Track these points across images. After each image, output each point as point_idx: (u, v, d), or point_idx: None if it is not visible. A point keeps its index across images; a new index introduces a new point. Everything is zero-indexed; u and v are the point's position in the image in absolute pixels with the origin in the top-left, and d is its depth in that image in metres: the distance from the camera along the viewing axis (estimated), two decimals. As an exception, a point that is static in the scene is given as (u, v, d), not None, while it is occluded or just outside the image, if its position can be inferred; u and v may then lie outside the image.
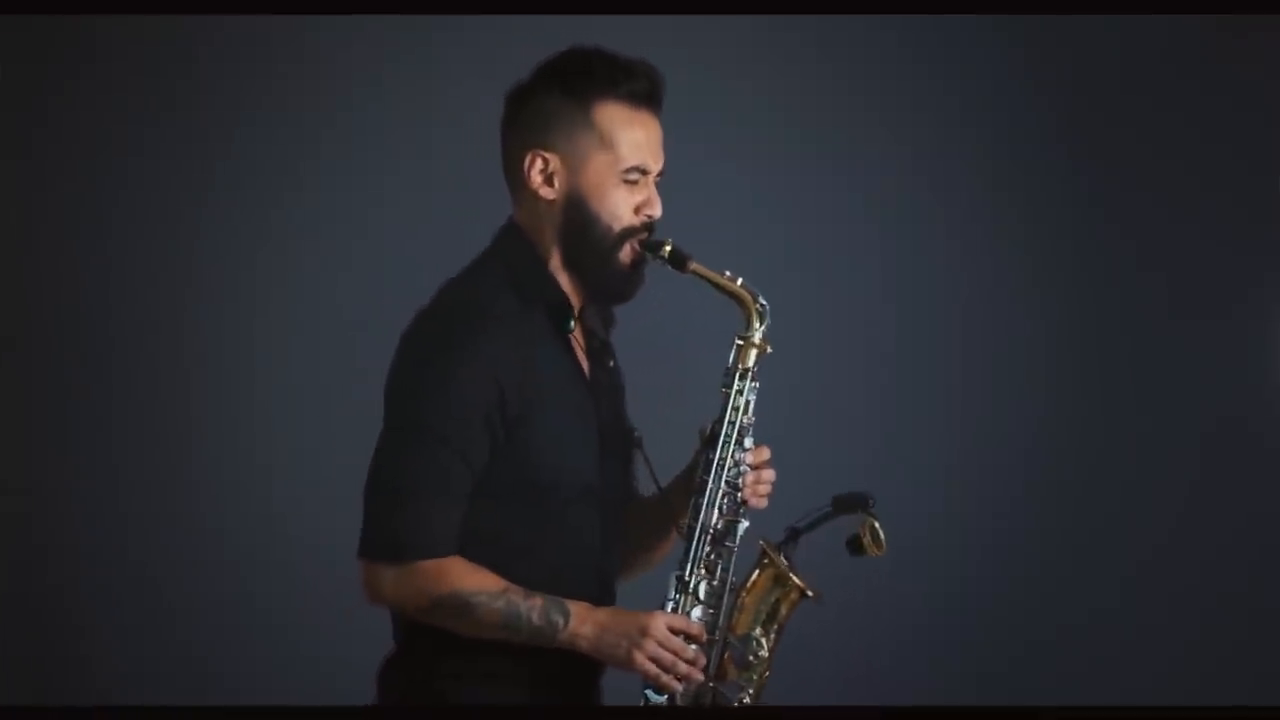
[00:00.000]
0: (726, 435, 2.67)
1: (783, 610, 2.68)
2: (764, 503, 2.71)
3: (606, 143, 2.63)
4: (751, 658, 2.66)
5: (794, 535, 2.70)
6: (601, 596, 2.67)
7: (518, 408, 2.59)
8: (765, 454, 2.71)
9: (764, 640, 2.67)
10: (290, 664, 4.01)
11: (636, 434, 2.74)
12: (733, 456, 2.68)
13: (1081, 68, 4.45)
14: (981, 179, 4.44)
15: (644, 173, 2.65)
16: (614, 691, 2.73)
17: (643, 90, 2.63)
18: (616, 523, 2.74)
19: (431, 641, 2.63)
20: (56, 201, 3.97)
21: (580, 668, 2.65)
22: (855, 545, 2.69)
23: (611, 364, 2.77)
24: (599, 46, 2.66)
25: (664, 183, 2.71)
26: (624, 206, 2.64)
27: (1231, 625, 4.48)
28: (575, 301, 2.69)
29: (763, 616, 2.68)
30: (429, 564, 2.58)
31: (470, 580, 2.58)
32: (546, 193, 2.65)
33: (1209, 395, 4.50)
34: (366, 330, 4.01)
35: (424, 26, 4.03)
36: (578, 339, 2.71)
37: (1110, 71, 4.46)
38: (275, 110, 4.04)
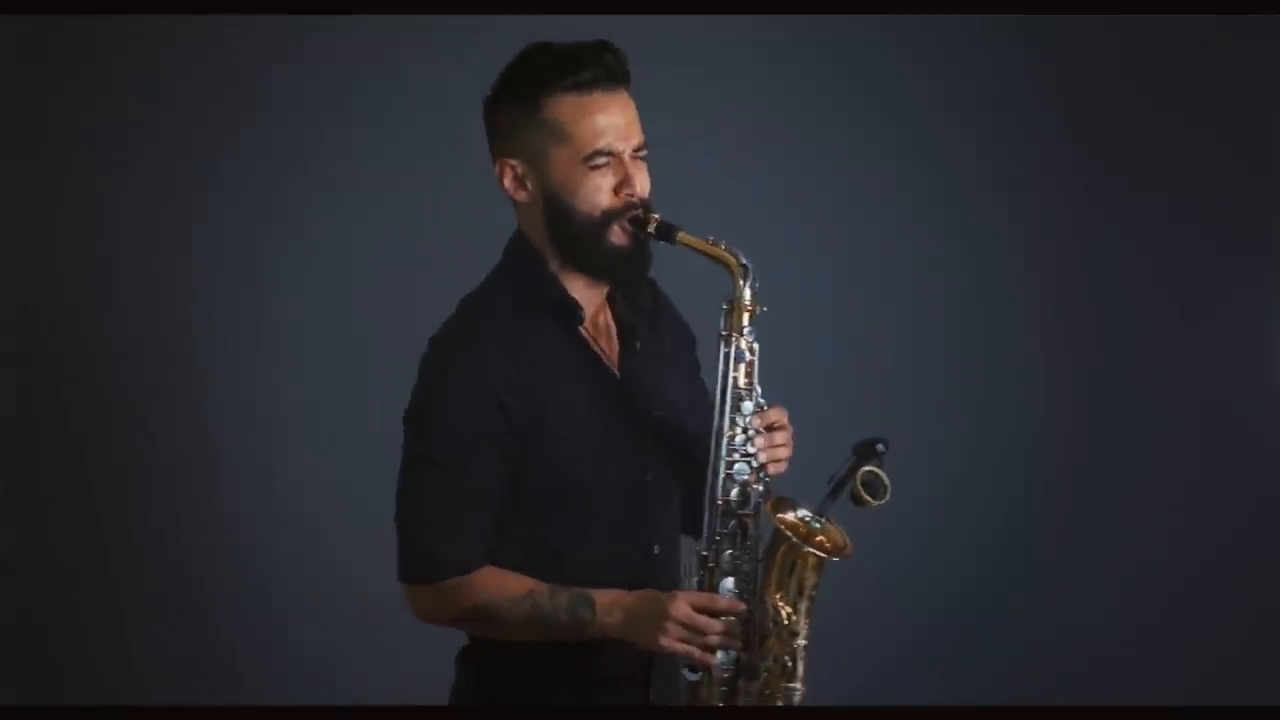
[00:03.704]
0: (721, 403, 2.66)
1: (806, 577, 2.61)
2: (781, 466, 2.69)
3: (562, 136, 2.63)
4: (771, 625, 2.61)
5: (837, 488, 2.63)
6: (656, 585, 2.64)
7: (526, 416, 2.62)
8: (773, 416, 2.69)
9: (783, 609, 2.61)
10: (294, 664, 4.01)
11: (658, 414, 2.71)
12: (732, 423, 2.66)
13: (1081, 68, 4.45)
14: (981, 179, 4.44)
15: (611, 154, 2.64)
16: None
17: (590, 77, 2.63)
18: (674, 504, 2.73)
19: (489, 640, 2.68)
20: (57, 201, 3.96)
21: (629, 654, 2.64)
22: (855, 498, 2.63)
23: (639, 347, 2.75)
24: (545, 42, 2.67)
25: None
26: (600, 191, 2.64)
27: (1231, 625, 4.48)
28: (587, 296, 2.70)
29: (784, 585, 2.61)
30: (455, 580, 2.62)
31: (496, 589, 2.61)
32: (523, 197, 2.69)
33: (1209, 395, 4.50)
34: (374, 330, 4.03)
35: (424, 26, 4.03)
36: (595, 331, 2.72)
37: (1110, 71, 4.46)
38: (276, 110, 4.03)
